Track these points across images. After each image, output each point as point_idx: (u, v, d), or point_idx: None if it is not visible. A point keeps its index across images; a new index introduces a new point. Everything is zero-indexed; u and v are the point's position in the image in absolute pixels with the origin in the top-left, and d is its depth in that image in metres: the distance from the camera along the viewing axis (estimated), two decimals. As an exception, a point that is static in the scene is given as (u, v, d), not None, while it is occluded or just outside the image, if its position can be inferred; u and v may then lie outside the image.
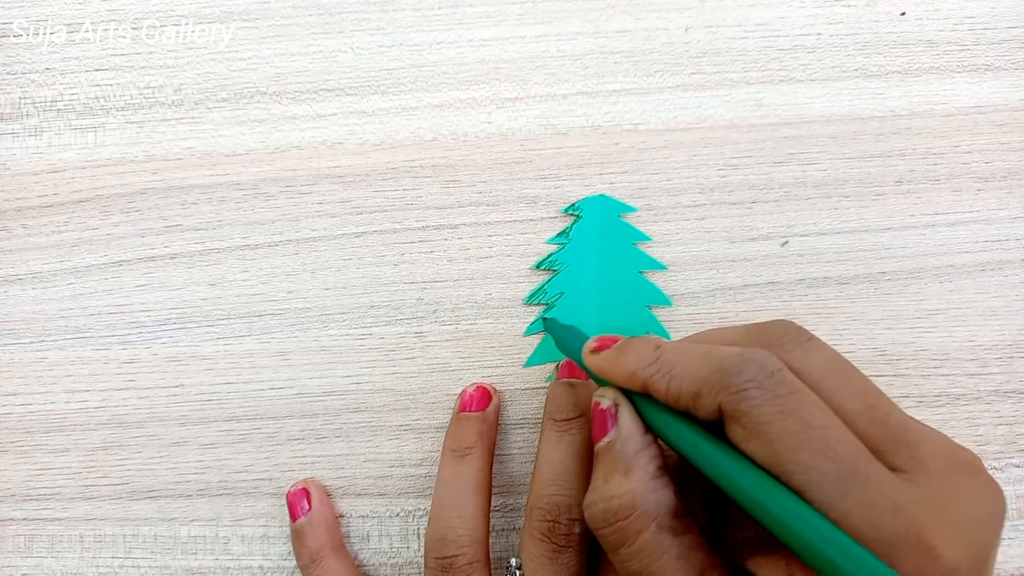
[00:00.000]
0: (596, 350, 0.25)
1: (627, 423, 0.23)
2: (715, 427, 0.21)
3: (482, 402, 0.30)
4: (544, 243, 0.32)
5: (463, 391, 0.31)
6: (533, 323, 0.32)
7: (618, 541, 0.21)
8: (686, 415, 0.22)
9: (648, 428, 0.23)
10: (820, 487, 0.19)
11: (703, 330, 0.25)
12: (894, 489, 0.19)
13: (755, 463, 0.20)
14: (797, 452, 0.19)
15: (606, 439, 0.23)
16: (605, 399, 0.24)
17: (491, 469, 0.29)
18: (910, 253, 0.32)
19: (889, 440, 0.20)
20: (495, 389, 0.31)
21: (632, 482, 0.22)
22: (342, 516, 0.31)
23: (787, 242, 0.31)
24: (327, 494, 0.31)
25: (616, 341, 0.24)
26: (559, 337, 0.28)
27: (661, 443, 0.23)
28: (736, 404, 0.20)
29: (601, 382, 0.25)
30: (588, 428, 0.28)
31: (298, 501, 0.30)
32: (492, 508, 0.29)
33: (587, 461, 0.27)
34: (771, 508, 0.19)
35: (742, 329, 0.24)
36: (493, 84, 0.33)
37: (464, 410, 0.30)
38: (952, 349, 0.31)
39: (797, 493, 0.19)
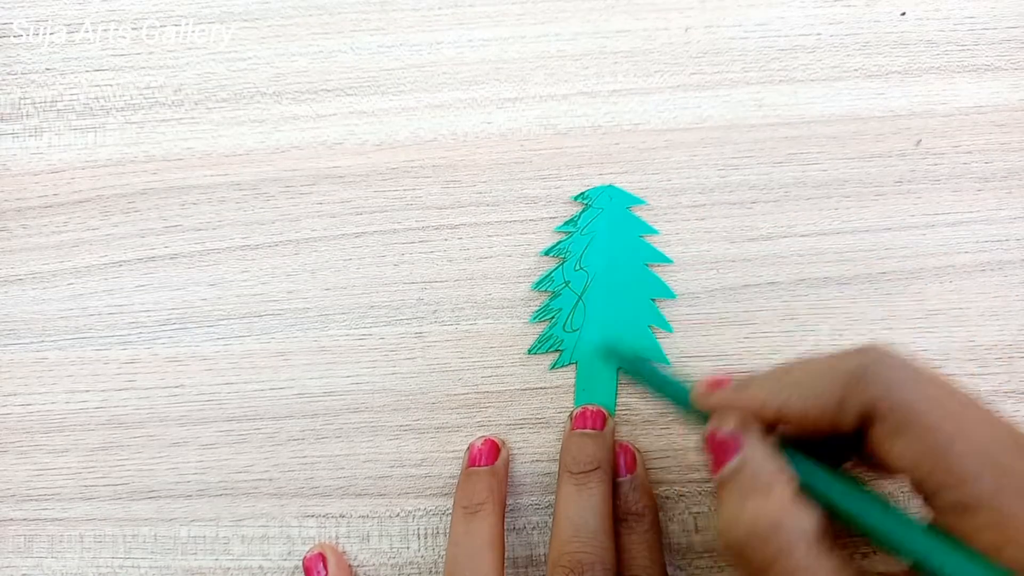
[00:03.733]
0: (711, 388, 0.24)
1: (756, 446, 0.22)
2: (845, 447, 0.21)
3: (491, 456, 0.30)
4: (553, 231, 0.32)
5: (471, 445, 0.30)
6: (537, 311, 0.32)
7: (766, 563, 0.20)
8: (815, 460, 0.22)
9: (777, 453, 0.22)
10: (981, 477, 0.18)
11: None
12: None
13: (901, 465, 0.20)
14: (953, 442, 0.19)
15: (732, 464, 0.22)
16: (725, 425, 0.23)
17: (503, 523, 0.29)
18: (910, 253, 0.32)
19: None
20: (503, 442, 0.31)
21: (775, 501, 0.21)
22: (342, 516, 0.31)
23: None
24: (343, 557, 0.31)
25: (728, 380, 0.24)
26: (631, 367, 0.29)
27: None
28: (887, 395, 0.20)
29: (694, 421, 0.24)
30: (607, 481, 0.28)
31: (314, 566, 0.30)
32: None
33: (608, 515, 0.27)
34: (933, 558, 0.19)
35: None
36: (493, 84, 0.33)
37: (473, 464, 0.30)
38: (952, 349, 0.31)
39: (957, 485, 0.19)
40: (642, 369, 0.29)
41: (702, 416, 0.24)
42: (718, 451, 0.23)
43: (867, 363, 0.21)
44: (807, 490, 0.21)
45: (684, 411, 0.25)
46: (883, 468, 0.21)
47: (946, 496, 0.19)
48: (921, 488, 0.20)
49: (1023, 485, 0.18)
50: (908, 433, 0.19)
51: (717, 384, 0.24)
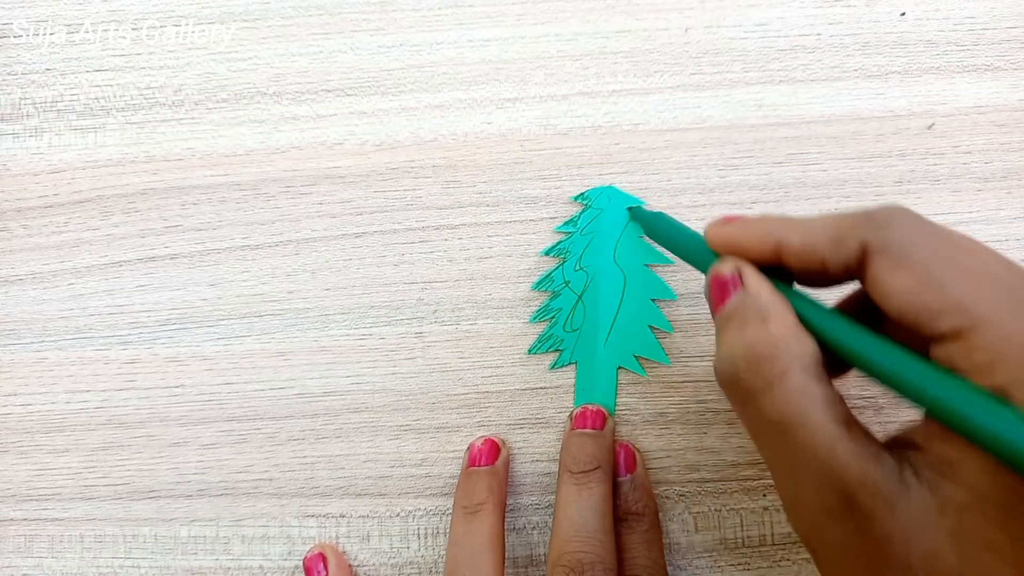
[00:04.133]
0: (725, 223, 0.24)
1: (755, 281, 0.22)
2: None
3: (491, 456, 0.30)
4: (553, 231, 0.32)
5: (471, 445, 0.30)
6: (537, 312, 0.32)
7: (760, 385, 0.20)
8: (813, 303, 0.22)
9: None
10: (979, 300, 0.18)
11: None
12: None
13: (900, 298, 0.19)
14: (950, 271, 0.19)
15: (731, 301, 0.22)
16: (725, 266, 0.23)
17: (503, 523, 0.29)
18: (910, 253, 0.32)
19: None
20: (503, 441, 0.31)
21: (774, 327, 0.21)
22: (342, 516, 0.31)
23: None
24: (344, 557, 0.31)
25: (740, 217, 0.24)
26: (649, 225, 0.30)
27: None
28: (885, 233, 0.20)
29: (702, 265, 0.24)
30: (607, 480, 0.28)
31: (315, 566, 0.30)
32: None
33: (608, 515, 0.27)
34: (927, 388, 0.18)
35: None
36: (493, 84, 0.33)
37: (473, 464, 0.30)
38: (952, 349, 0.31)
39: (955, 310, 0.18)
40: (661, 225, 0.29)
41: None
42: (720, 291, 0.23)
43: (871, 209, 0.21)
44: (806, 323, 0.21)
45: (702, 264, 0.25)
46: (882, 307, 0.20)
47: (941, 324, 0.18)
48: (918, 322, 0.19)
49: (1019, 302, 0.18)
50: (905, 265, 0.19)
51: (729, 221, 0.24)
